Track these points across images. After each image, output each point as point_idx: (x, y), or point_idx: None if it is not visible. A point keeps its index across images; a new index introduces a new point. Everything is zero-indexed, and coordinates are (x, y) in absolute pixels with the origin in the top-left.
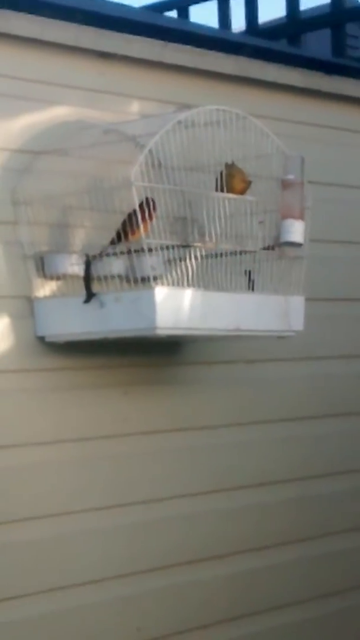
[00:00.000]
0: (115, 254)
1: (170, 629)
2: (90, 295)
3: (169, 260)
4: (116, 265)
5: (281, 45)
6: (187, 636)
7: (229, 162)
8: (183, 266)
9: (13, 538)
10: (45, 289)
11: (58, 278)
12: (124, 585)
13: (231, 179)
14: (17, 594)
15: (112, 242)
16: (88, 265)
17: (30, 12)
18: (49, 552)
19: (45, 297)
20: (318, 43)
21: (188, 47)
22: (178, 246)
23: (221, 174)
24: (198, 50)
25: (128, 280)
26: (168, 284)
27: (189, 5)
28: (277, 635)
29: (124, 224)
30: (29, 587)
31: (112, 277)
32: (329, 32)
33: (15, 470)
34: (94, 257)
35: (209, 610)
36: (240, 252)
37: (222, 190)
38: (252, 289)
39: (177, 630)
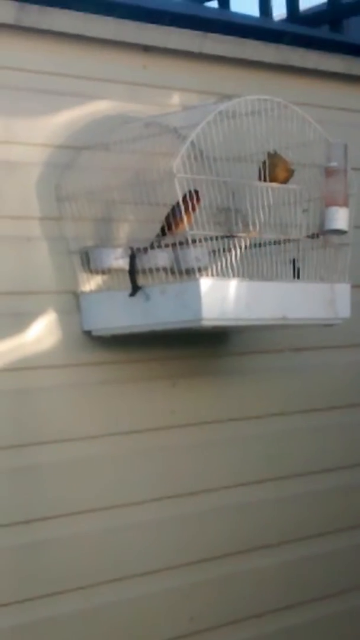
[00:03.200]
0: (159, 246)
1: (223, 618)
2: (135, 289)
3: (213, 251)
4: (161, 258)
5: (323, 32)
6: (240, 626)
7: (272, 151)
8: (228, 256)
9: (66, 532)
10: (90, 283)
11: (103, 272)
12: (177, 576)
13: (274, 168)
14: (72, 587)
15: (158, 236)
16: (133, 258)
17: (71, 8)
18: (100, 544)
19: (91, 292)
20: None
21: (228, 37)
22: (222, 237)
23: (264, 163)
24: (238, 40)
25: (173, 273)
26: (213, 275)
27: None
28: (332, 624)
29: (167, 217)
30: (83, 579)
31: (157, 269)
32: None
33: (65, 465)
34: (139, 250)
35: (261, 600)
36: (285, 241)
37: (265, 180)
38: (298, 278)
39: (229, 620)
